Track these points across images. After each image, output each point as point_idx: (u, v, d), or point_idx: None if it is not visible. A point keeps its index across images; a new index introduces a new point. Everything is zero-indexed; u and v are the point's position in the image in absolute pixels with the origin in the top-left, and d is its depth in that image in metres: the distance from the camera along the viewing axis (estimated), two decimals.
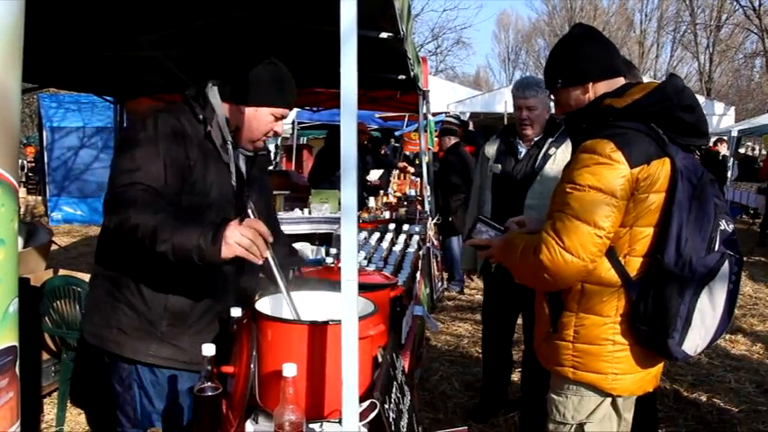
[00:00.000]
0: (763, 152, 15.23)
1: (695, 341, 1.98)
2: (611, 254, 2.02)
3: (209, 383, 1.75)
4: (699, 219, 1.95)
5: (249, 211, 2.05)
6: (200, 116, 2.16)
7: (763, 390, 4.57)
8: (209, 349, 1.74)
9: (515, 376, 4.35)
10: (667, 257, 1.94)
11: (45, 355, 4.07)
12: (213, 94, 2.21)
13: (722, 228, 1.98)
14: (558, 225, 1.98)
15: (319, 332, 1.68)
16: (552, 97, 2.33)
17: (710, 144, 16.28)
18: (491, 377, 4.04)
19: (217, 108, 2.19)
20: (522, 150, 3.64)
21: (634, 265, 2.02)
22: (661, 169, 1.97)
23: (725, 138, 15.72)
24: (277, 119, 2.27)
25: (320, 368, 1.70)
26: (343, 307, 1.49)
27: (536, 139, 3.59)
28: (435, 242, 5.26)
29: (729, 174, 14.93)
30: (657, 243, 1.98)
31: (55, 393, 4.02)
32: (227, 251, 1.86)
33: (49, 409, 4.01)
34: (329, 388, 1.71)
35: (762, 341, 5.70)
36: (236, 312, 2.00)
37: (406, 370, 2.20)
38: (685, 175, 1.97)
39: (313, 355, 1.69)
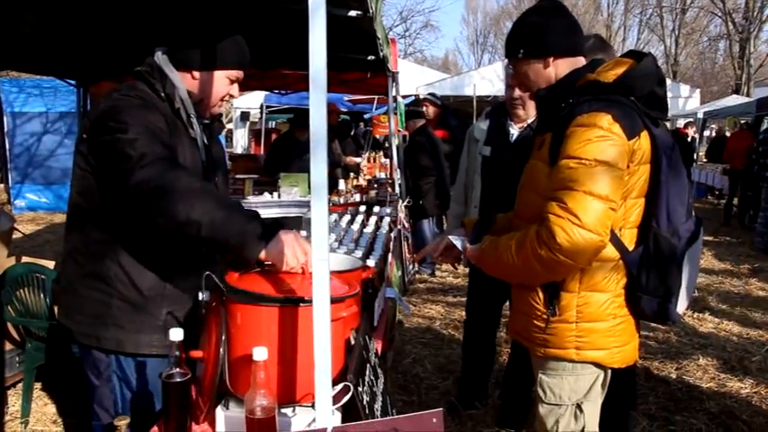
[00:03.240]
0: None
1: (682, 301, 2.05)
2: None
3: (178, 369, 1.70)
4: (678, 187, 2.00)
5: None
6: (162, 93, 2.08)
7: (730, 366, 4.66)
8: (176, 334, 1.69)
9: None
10: (662, 226, 1.99)
11: (8, 345, 3.96)
12: (166, 64, 2.12)
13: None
14: (570, 204, 1.91)
15: (290, 314, 1.64)
16: (511, 67, 2.28)
17: (681, 126, 16.50)
18: (472, 367, 3.92)
19: (176, 81, 2.11)
20: (514, 132, 3.49)
21: (629, 237, 2.04)
22: (646, 141, 1.99)
23: (692, 120, 15.95)
24: (232, 81, 2.21)
25: (292, 351, 1.66)
26: (314, 287, 1.45)
27: (530, 120, 3.42)
28: (406, 224, 5.24)
29: (696, 156, 15.16)
30: (649, 213, 2.02)
31: (20, 384, 3.91)
32: (273, 256, 1.80)
33: (14, 401, 3.92)
34: (301, 371, 1.67)
35: (728, 319, 5.81)
36: (204, 295, 1.94)
37: (379, 352, 2.17)
38: (662, 147, 1.99)
39: (284, 338, 1.65)
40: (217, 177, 2.28)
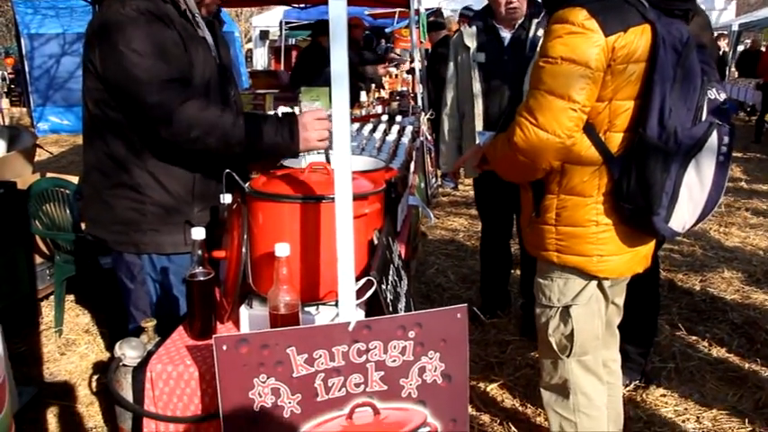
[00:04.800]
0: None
1: (682, 217, 1.91)
2: (591, 131, 1.91)
3: (201, 269, 1.71)
4: (684, 88, 1.83)
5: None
6: None
7: (755, 279, 4.62)
8: (198, 233, 1.69)
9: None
10: (650, 130, 1.83)
11: (38, 259, 4.04)
12: None
13: (711, 97, 1.86)
14: (530, 103, 1.87)
15: (312, 211, 1.62)
16: None
17: None
18: (490, 275, 3.99)
19: None
20: (506, 35, 3.44)
21: (615, 141, 1.91)
22: (640, 37, 1.83)
23: (725, 32, 15.33)
24: None
25: (314, 249, 1.65)
26: (336, 182, 1.42)
27: (519, 21, 3.40)
28: (429, 137, 5.17)
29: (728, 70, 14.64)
30: (639, 116, 1.87)
31: (51, 297, 4.02)
32: (304, 145, 2.00)
33: (47, 312, 4.03)
34: (324, 269, 1.66)
35: (755, 234, 5.73)
36: (226, 198, 1.93)
37: (403, 257, 2.16)
38: (668, 41, 1.82)
39: (306, 236, 1.64)
40: (230, 80, 2.24)
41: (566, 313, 2.10)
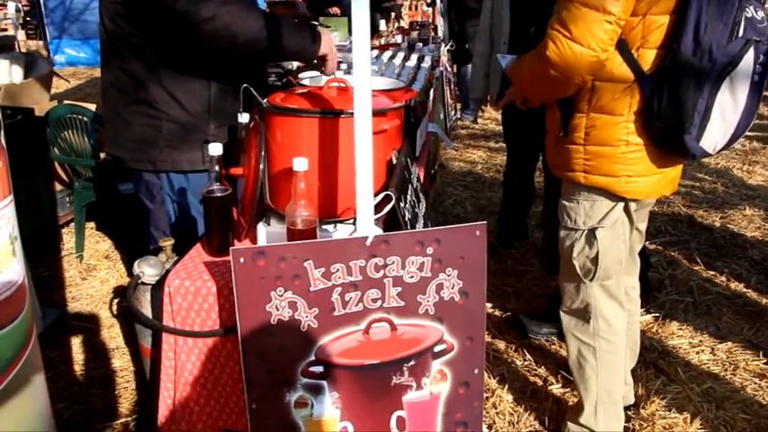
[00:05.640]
0: None
1: (714, 137, 1.87)
2: (623, 47, 1.86)
3: (218, 185, 1.70)
4: (722, 2, 1.76)
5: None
6: None
7: None
8: (215, 149, 1.67)
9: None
10: (684, 47, 1.78)
11: (58, 186, 4.07)
12: None
13: (749, 15, 1.79)
14: (563, 15, 1.81)
15: (331, 126, 1.59)
16: None
17: None
18: (511, 206, 3.97)
19: None
20: None
21: (648, 57, 1.87)
22: None
23: None
24: None
25: (332, 165, 1.63)
26: (356, 96, 1.38)
27: None
28: (449, 68, 5.07)
29: None
30: (674, 32, 1.82)
31: (72, 224, 4.06)
32: (325, 47, 2.11)
33: (68, 238, 4.08)
34: (342, 186, 1.65)
35: None
36: (243, 118, 1.91)
37: (421, 181, 2.14)
38: None
39: (325, 152, 1.61)
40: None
41: (591, 236, 2.09)
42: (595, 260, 2.10)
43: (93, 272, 3.73)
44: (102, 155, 3.57)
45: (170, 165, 2.12)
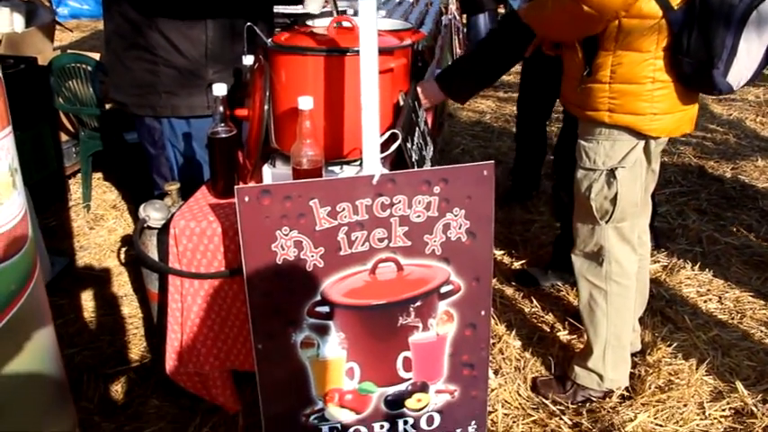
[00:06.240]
0: None
1: (740, 72, 1.86)
2: None
3: (223, 126, 1.68)
4: None
5: None
6: None
7: None
8: (220, 89, 1.64)
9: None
10: None
11: (64, 137, 4.05)
12: None
13: None
14: None
15: (336, 64, 1.56)
16: None
17: None
18: (525, 156, 3.93)
19: None
20: None
21: None
22: None
23: None
24: None
25: (338, 105, 1.60)
26: (362, 33, 1.35)
27: None
28: (458, 17, 4.97)
29: None
30: None
31: (79, 174, 4.05)
32: None
33: (75, 189, 4.07)
34: (348, 126, 1.62)
35: None
36: (247, 60, 1.88)
37: (429, 127, 2.10)
38: None
39: (331, 91, 1.58)
40: None
41: (611, 176, 2.06)
42: (614, 201, 2.08)
43: (100, 221, 3.73)
44: (108, 105, 3.54)
45: (170, 110, 2.11)
